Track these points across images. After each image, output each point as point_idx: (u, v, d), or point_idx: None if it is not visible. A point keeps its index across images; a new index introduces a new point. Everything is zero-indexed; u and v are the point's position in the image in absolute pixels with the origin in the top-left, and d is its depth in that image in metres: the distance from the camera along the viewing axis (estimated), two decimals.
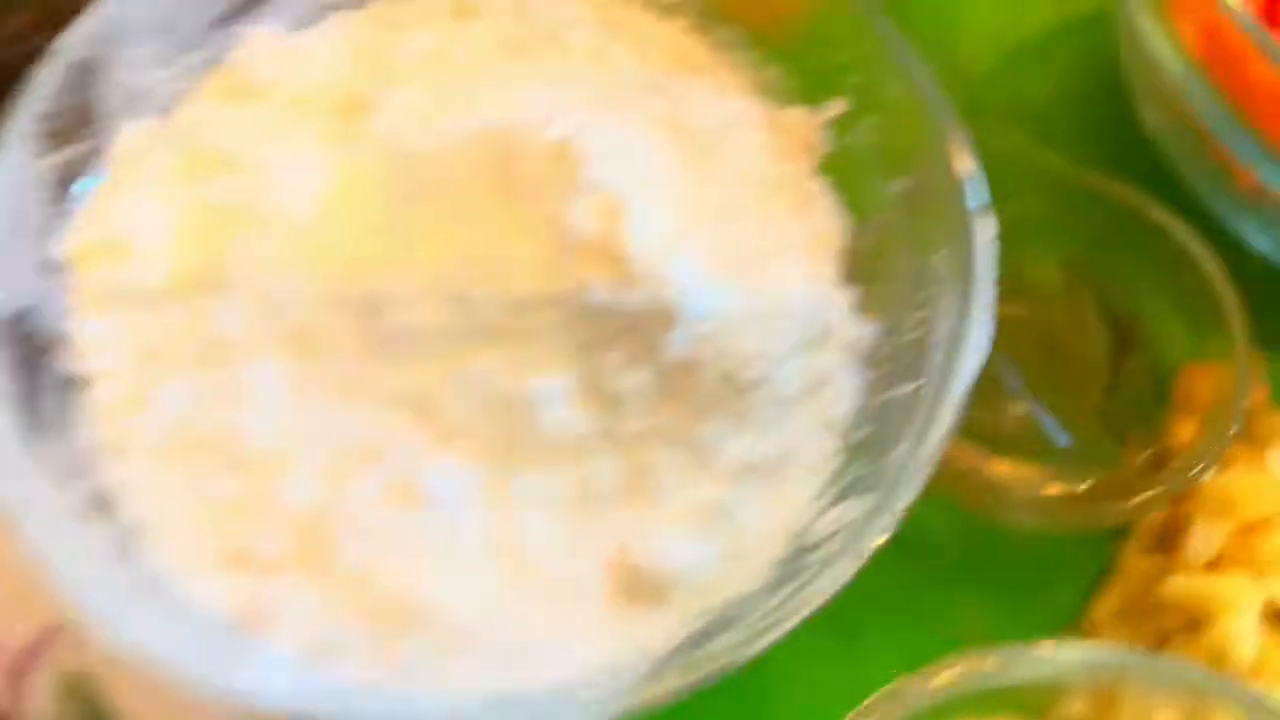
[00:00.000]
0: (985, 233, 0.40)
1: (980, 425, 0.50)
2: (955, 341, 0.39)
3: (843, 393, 0.43)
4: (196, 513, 0.39)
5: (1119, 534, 0.50)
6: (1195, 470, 0.47)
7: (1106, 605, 0.49)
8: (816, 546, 0.39)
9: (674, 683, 0.35)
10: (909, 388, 0.41)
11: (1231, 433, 0.48)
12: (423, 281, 0.41)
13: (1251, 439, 0.50)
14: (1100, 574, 0.50)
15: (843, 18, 0.45)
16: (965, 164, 0.41)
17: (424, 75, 0.47)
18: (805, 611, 0.36)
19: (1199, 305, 0.51)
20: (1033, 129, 0.60)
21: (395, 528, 0.39)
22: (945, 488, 0.48)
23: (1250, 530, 0.47)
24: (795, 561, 0.40)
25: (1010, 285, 0.53)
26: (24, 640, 0.42)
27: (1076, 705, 0.43)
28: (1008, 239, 0.54)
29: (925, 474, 0.38)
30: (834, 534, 0.39)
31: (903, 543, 0.50)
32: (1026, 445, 0.51)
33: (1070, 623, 0.49)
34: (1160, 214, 0.51)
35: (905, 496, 0.37)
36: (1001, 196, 0.53)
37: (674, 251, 0.40)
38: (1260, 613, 0.47)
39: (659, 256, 0.40)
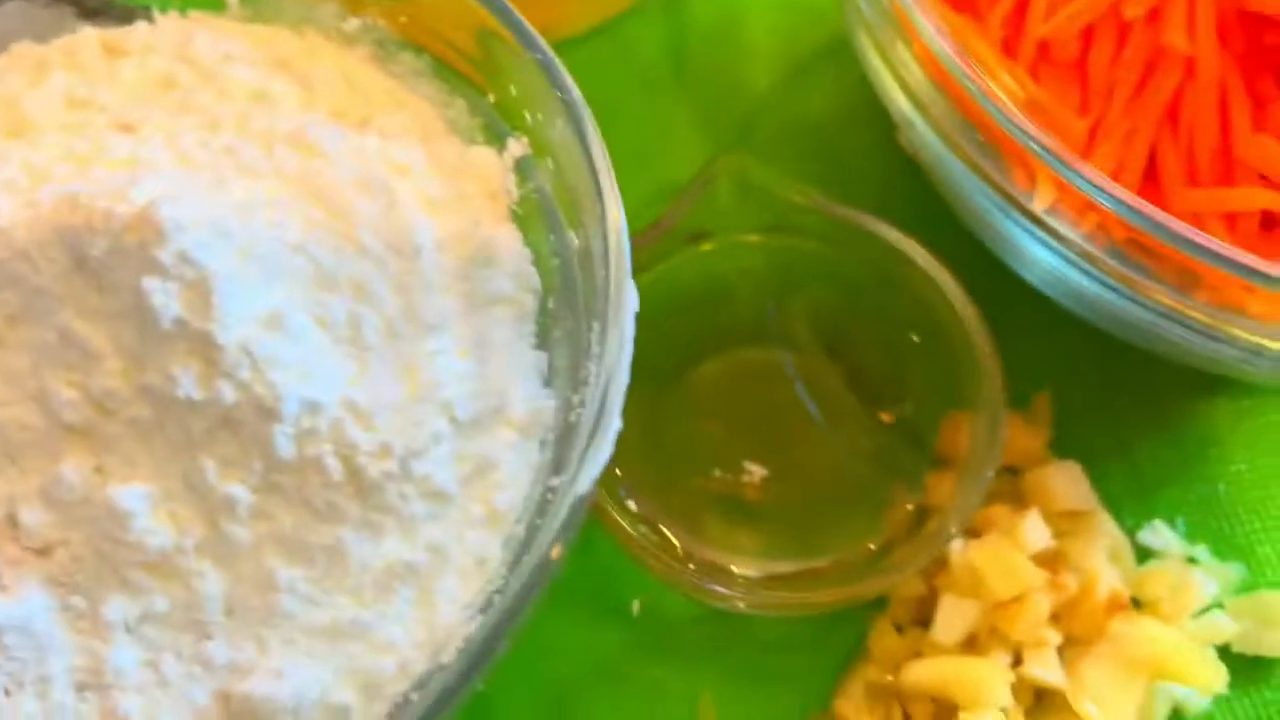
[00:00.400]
0: (628, 307, 0.34)
1: (716, 496, 0.46)
2: (593, 433, 0.33)
3: (514, 477, 0.38)
4: None
5: (876, 605, 0.45)
6: (938, 542, 0.42)
7: (853, 690, 0.44)
8: (448, 668, 0.34)
9: None
10: (557, 481, 0.35)
11: (981, 492, 0.42)
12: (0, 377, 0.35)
13: (1016, 496, 0.45)
14: (854, 649, 0.45)
15: (505, 45, 0.40)
16: (614, 223, 0.35)
17: (56, 126, 0.41)
18: None
19: (958, 350, 0.45)
20: (810, 147, 0.55)
21: None
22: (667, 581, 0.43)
23: (1002, 607, 0.42)
24: (427, 684, 0.34)
25: (764, 331, 0.49)
26: None
27: None
28: (765, 281, 0.49)
29: (539, 589, 0.32)
30: (461, 652, 0.34)
31: (636, 623, 0.46)
32: (768, 513, 0.46)
33: (819, 706, 0.44)
34: (918, 252, 0.46)
35: (518, 617, 0.32)
36: (765, 235, 0.49)
37: (274, 335, 0.35)
38: (1015, 693, 0.42)
39: (254, 341, 0.34)
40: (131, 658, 0.35)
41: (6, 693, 0.34)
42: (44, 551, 0.35)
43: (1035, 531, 0.43)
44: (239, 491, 0.35)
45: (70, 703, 0.34)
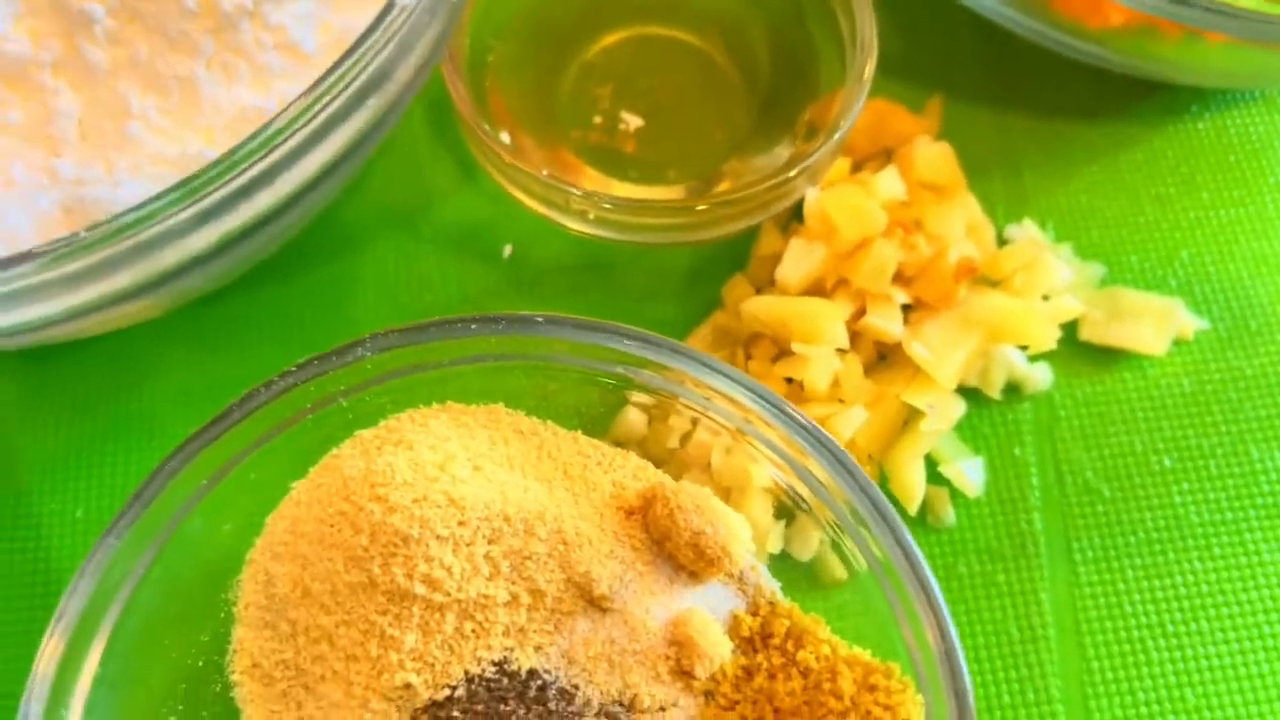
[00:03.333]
0: None
1: (594, 147, 0.47)
2: None
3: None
4: None
5: (738, 265, 0.46)
6: (785, 175, 0.42)
7: (702, 333, 0.45)
8: None
9: None
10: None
11: (830, 143, 0.43)
12: None
13: (899, 160, 0.46)
14: (714, 304, 0.46)
15: None
16: None
17: None
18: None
19: (843, 32, 0.46)
20: None
21: None
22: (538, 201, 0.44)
23: (849, 257, 0.43)
24: None
25: (675, 9, 0.49)
26: None
27: (633, 416, 0.40)
28: None
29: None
30: None
31: (506, 266, 0.47)
32: (638, 162, 0.47)
33: None
34: None
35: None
36: None
37: None
38: (856, 344, 0.43)
39: None
40: None
41: None
42: None
43: (888, 181, 0.44)
44: (96, 9, 0.36)
45: None
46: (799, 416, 0.36)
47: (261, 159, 0.33)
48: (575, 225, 0.44)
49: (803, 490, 0.37)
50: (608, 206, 0.42)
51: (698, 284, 0.46)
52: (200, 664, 0.36)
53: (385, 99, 0.35)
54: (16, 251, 0.33)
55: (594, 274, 0.47)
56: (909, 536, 0.34)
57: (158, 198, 0.32)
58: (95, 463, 0.43)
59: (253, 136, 0.32)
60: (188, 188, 0.32)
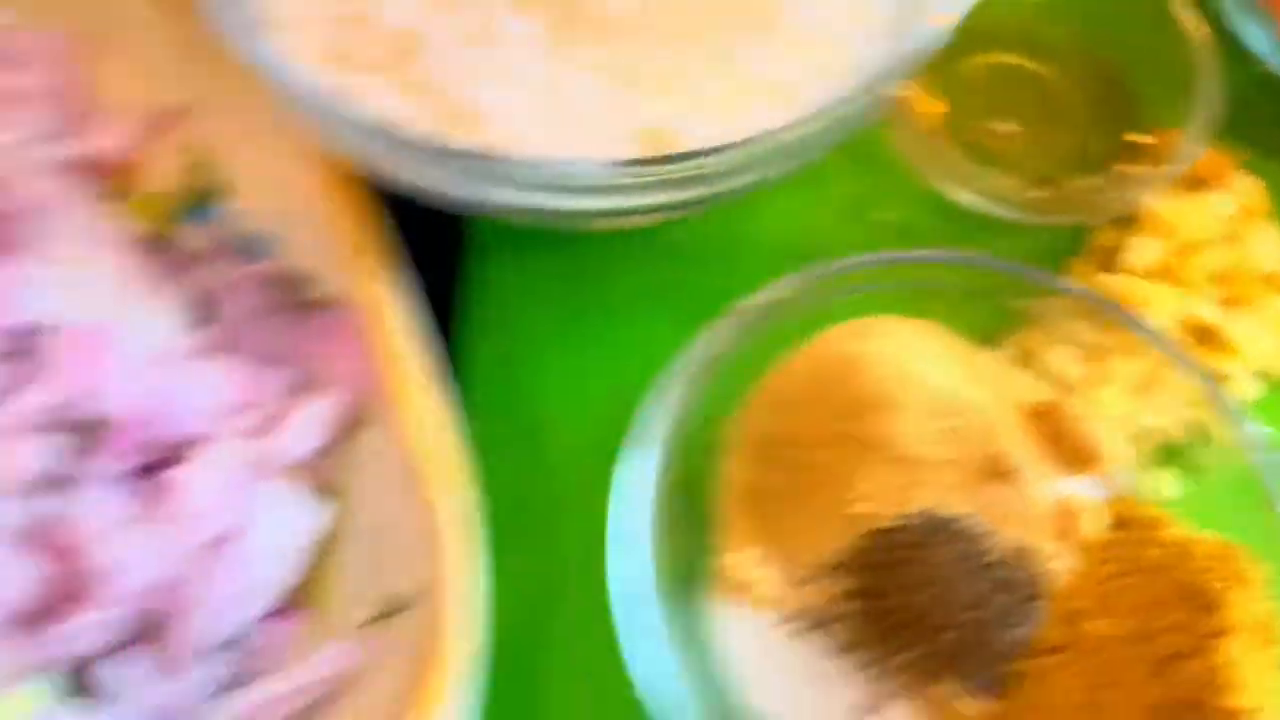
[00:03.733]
0: None
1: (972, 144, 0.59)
2: None
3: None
4: (310, 16, 0.48)
5: (1075, 253, 0.58)
6: (1133, 188, 0.54)
7: None
8: None
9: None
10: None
11: (1176, 167, 0.55)
12: None
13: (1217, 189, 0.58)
14: None
15: None
16: None
17: None
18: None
19: (1187, 81, 0.58)
20: None
21: (471, 58, 0.48)
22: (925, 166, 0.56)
23: (1185, 252, 0.55)
24: None
25: (1016, 39, 0.62)
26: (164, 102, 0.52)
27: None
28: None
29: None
30: None
31: (892, 230, 0.59)
32: (1010, 160, 0.59)
33: None
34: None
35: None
36: None
37: None
38: (1183, 327, 0.55)
39: None
40: (587, 86, 0.48)
41: (493, 83, 0.48)
42: (535, 5, 0.49)
43: (1221, 200, 0.55)
44: None
45: (536, 99, 0.48)
46: (1169, 343, 0.48)
47: (809, 128, 0.45)
48: (966, 198, 0.56)
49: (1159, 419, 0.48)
50: (998, 187, 0.54)
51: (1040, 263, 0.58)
52: (690, 487, 0.47)
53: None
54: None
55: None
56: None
57: (741, 144, 0.44)
58: (584, 335, 0.55)
59: (816, 114, 0.44)
60: (757, 145, 0.44)
